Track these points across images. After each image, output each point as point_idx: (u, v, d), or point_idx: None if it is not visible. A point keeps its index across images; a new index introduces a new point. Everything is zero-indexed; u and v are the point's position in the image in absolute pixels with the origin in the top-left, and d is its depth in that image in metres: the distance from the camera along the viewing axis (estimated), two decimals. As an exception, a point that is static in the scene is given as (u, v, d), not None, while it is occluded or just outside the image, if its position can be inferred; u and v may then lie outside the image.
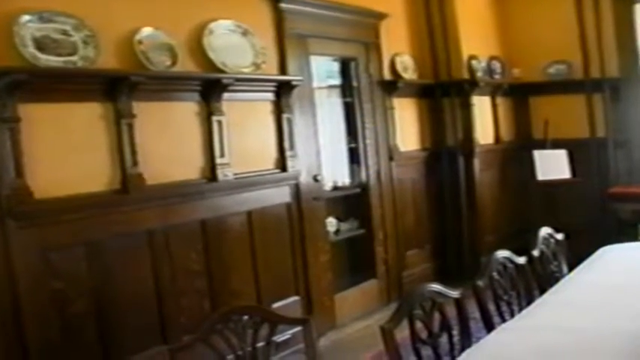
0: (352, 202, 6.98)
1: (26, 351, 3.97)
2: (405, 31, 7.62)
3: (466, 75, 7.74)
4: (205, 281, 5.07)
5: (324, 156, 6.40)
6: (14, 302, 3.93)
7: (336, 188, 6.81)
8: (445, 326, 3.21)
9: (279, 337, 3.01)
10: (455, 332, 3.27)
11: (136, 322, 4.57)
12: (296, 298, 5.88)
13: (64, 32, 4.17)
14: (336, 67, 6.98)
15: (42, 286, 4.05)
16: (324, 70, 6.77)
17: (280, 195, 5.76)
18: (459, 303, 3.36)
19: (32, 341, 3.99)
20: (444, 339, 3.17)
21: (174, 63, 4.80)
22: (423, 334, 3.07)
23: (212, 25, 5.16)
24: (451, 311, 3.27)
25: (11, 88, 3.83)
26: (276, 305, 5.49)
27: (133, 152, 4.55)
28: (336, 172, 6.87)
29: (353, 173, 7.02)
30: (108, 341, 4.40)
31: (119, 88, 4.42)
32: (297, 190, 5.92)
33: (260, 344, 2.94)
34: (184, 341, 2.88)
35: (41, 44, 4.04)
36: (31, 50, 3.96)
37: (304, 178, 6.00)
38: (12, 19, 3.92)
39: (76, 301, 4.24)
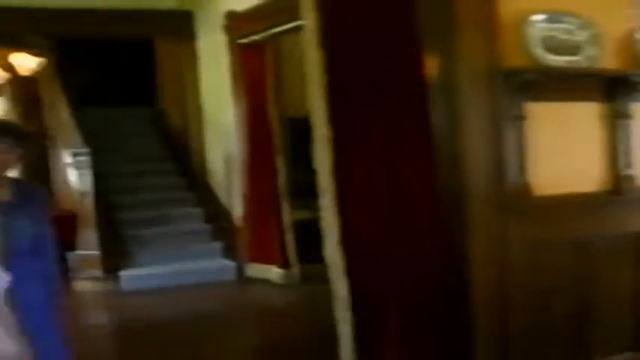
0: None
1: (508, 336, 4.10)
2: None
3: None
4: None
5: None
6: (503, 290, 4.07)
7: None
8: None
9: None
10: None
11: (611, 325, 4.47)
12: None
13: (569, 32, 4.22)
14: None
15: (528, 279, 4.13)
16: None
17: None
18: None
19: (514, 328, 4.11)
20: None
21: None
22: None
23: None
24: None
25: (521, 87, 3.98)
26: None
27: (627, 153, 4.45)
28: None
29: None
30: (582, 340, 4.38)
31: (617, 88, 4.35)
32: None
33: None
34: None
35: (546, 44, 4.14)
36: (538, 50, 4.08)
37: None
38: (522, 19, 4.07)
39: (558, 297, 4.27)
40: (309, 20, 3.62)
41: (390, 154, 3.80)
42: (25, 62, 8.15)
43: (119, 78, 12.10)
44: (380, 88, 3.78)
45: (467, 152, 3.94)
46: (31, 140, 3.72)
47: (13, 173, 3.70)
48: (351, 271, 3.72)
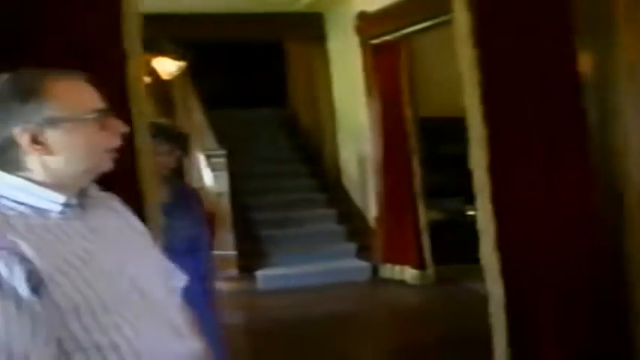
0: None
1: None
2: None
3: None
4: None
5: None
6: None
7: None
8: None
9: None
10: None
11: None
12: None
13: None
14: None
15: None
16: None
17: None
18: None
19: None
20: None
21: None
22: None
23: None
24: None
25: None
26: None
27: None
28: None
29: None
30: None
31: None
32: None
33: None
34: None
35: None
36: None
37: None
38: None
39: None
40: (461, 19, 3.58)
41: (545, 151, 3.72)
42: (167, 66, 8.41)
43: (250, 80, 12.33)
44: (534, 86, 3.72)
45: (625, 149, 3.83)
46: (186, 142, 3.81)
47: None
48: (505, 272, 3.64)
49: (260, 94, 11.93)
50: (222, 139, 9.41)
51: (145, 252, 1.80)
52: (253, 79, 12.29)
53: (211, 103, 10.23)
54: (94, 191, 1.77)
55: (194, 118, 9.98)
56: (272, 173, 10.40)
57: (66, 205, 1.64)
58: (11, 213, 1.57)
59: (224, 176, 9.06)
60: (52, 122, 1.61)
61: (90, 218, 1.70)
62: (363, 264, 8.89)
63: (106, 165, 1.71)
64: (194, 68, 9.86)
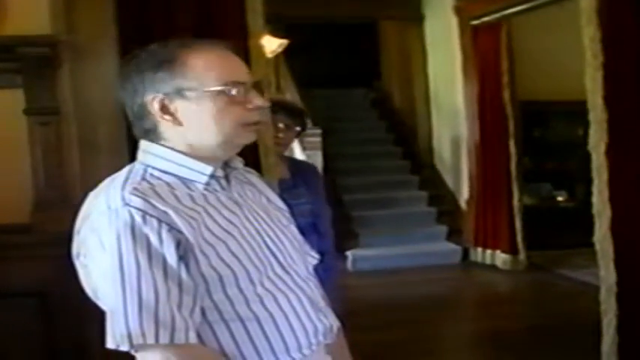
0: None
1: None
2: None
3: None
4: None
5: None
6: None
7: None
8: None
9: None
10: None
11: None
12: None
13: None
14: None
15: None
16: None
17: None
18: None
19: None
20: None
21: None
22: None
23: None
24: None
25: None
26: None
27: None
28: None
29: None
30: None
31: None
32: None
33: None
34: None
35: None
36: None
37: None
38: None
39: None
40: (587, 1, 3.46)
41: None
42: (269, 44, 8.43)
43: (342, 60, 12.29)
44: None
45: None
46: (305, 118, 3.75)
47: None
48: (618, 258, 3.55)
49: (352, 74, 11.88)
50: (315, 118, 9.38)
51: (283, 228, 1.79)
52: (346, 58, 12.25)
53: (304, 83, 10.21)
54: (238, 164, 1.77)
55: (287, 96, 9.97)
56: (364, 154, 10.33)
57: (212, 176, 1.65)
58: (157, 182, 1.59)
59: (318, 155, 9.03)
60: (179, 92, 1.61)
61: (232, 190, 1.71)
62: (454, 247, 8.83)
63: (244, 139, 1.69)
64: (288, 47, 9.88)
